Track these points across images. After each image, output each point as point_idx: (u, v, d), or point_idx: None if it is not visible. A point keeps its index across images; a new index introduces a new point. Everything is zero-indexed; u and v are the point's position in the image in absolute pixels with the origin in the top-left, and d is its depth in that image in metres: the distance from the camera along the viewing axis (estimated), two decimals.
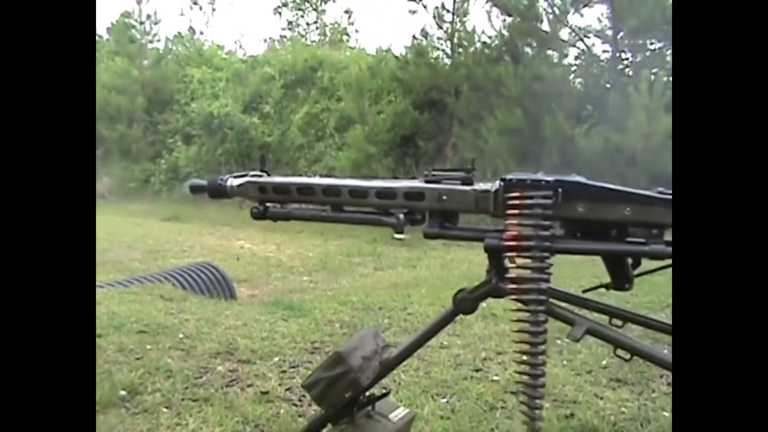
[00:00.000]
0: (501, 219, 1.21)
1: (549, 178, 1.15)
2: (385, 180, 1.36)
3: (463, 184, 1.26)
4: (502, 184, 1.19)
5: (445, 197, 1.26)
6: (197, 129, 15.55)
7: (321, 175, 1.43)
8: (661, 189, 1.13)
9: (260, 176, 1.46)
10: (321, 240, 9.45)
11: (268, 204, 1.45)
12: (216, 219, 11.56)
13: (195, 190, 1.55)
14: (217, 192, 1.50)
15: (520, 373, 1.18)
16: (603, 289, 1.31)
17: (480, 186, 1.24)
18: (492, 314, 3.31)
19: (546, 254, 1.15)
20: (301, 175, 1.47)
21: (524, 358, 1.17)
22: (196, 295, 4.44)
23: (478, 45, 11.57)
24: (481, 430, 1.99)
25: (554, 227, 1.18)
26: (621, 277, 1.27)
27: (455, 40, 11.89)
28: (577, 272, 4.09)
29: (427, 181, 1.29)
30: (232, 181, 1.48)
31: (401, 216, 1.32)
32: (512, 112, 9.87)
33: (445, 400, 2.21)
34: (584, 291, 1.33)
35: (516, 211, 1.17)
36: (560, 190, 1.15)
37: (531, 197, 1.15)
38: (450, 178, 1.28)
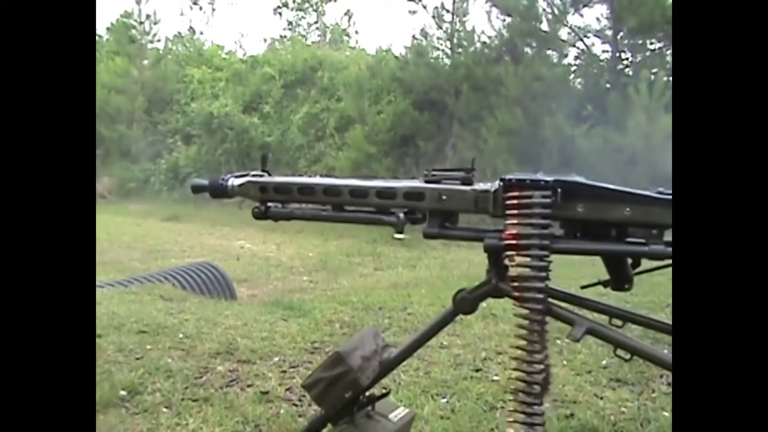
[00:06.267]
0: (501, 219, 1.21)
1: (548, 178, 1.15)
2: (385, 180, 1.36)
3: (462, 184, 1.26)
4: (501, 184, 1.19)
5: (444, 197, 1.26)
6: (197, 129, 15.54)
7: (321, 175, 1.43)
8: (661, 189, 1.13)
9: (261, 176, 1.46)
10: (321, 240, 9.45)
11: (269, 204, 1.46)
12: (216, 219, 11.56)
13: (196, 189, 1.55)
14: (219, 192, 1.50)
15: (516, 370, 1.17)
16: (603, 289, 1.31)
17: (479, 186, 1.24)
18: (492, 314, 3.31)
19: (545, 253, 1.15)
20: (301, 175, 1.47)
21: (522, 358, 1.16)
22: (196, 295, 4.45)
23: (478, 45, 11.58)
24: (481, 430, 1.99)
25: (553, 227, 1.18)
26: (621, 277, 1.27)
27: (455, 40, 11.90)
28: (577, 272, 4.08)
29: (427, 181, 1.29)
30: (234, 181, 1.48)
31: (401, 215, 1.32)
32: (512, 112, 9.87)
33: (445, 400, 2.21)
34: (582, 287, 1.33)
35: (515, 211, 1.17)
36: (560, 190, 1.14)
37: (530, 197, 1.15)
38: (450, 178, 1.27)
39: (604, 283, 1.30)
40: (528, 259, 1.16)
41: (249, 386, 2.33)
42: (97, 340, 2.67)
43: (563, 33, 10.80)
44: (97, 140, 14.88)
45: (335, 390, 1.44)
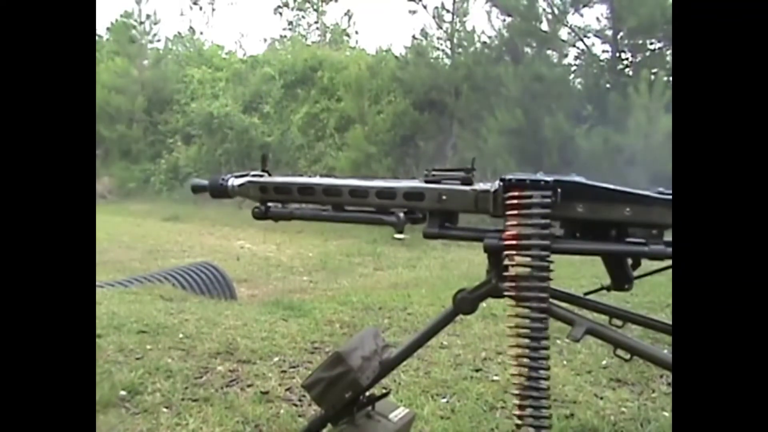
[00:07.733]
0: (501, 219, 1.21)
1: (548, 178, 1.15)
2: (386, 180, 1.36)
3: (462, 184, 1.26)
4: (501, 184, 1.19)
5: (444, 197, 1.26)
6: (197, 129, 15.56)
7: (321, 175, 1.43)
8: (661, 189, 1.13)
9: (261, 176, 1.46)
10: (321, 240, 9.45)
11: (269, 204, 1.46)
12: (216, 219, 11.57)
13: (196, 189, 1.55)
14: (219, 192, 1.50)
15: (518, 375, 1.16)
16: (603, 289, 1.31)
17: (479, 186, 1.24)
18: (492, 314, 3.31)
19: (546, 253, 1.15)
20: (302, 175, 1.47)
21: (524, 360, 1.16)
22: (196, 295, 4.45)
23: (478, 45, 11.61)
24: (481, 430, 1.99)
25: (553, 227, 1.18)
26: (621, 278, 1.27)
27: (455, 40, 11.92)
28: (577, 272, 4.09)
29: (427, 181, 1.29)
30: (234, 181, 1.48)
31: (401, 215, 1.32)
32: (512, 112, 9.88)
33: (445, 400, 2.21)
34: (586, 294, 1.33)
35: (515, 211, 1.16)
36: (559, 190, 1.14)
37: (530, 197, 1.15)
38: (450, 178, 1.27)
39: (608, 288, 1.29)
40: (529, 259, 1.16)
41: (249, 386, 2.33)
42: (97, 340, 2.66)
43: (563, 33, 10.83)
44: (97, 140, 14.89)
45: (335, 390, 1.43)
